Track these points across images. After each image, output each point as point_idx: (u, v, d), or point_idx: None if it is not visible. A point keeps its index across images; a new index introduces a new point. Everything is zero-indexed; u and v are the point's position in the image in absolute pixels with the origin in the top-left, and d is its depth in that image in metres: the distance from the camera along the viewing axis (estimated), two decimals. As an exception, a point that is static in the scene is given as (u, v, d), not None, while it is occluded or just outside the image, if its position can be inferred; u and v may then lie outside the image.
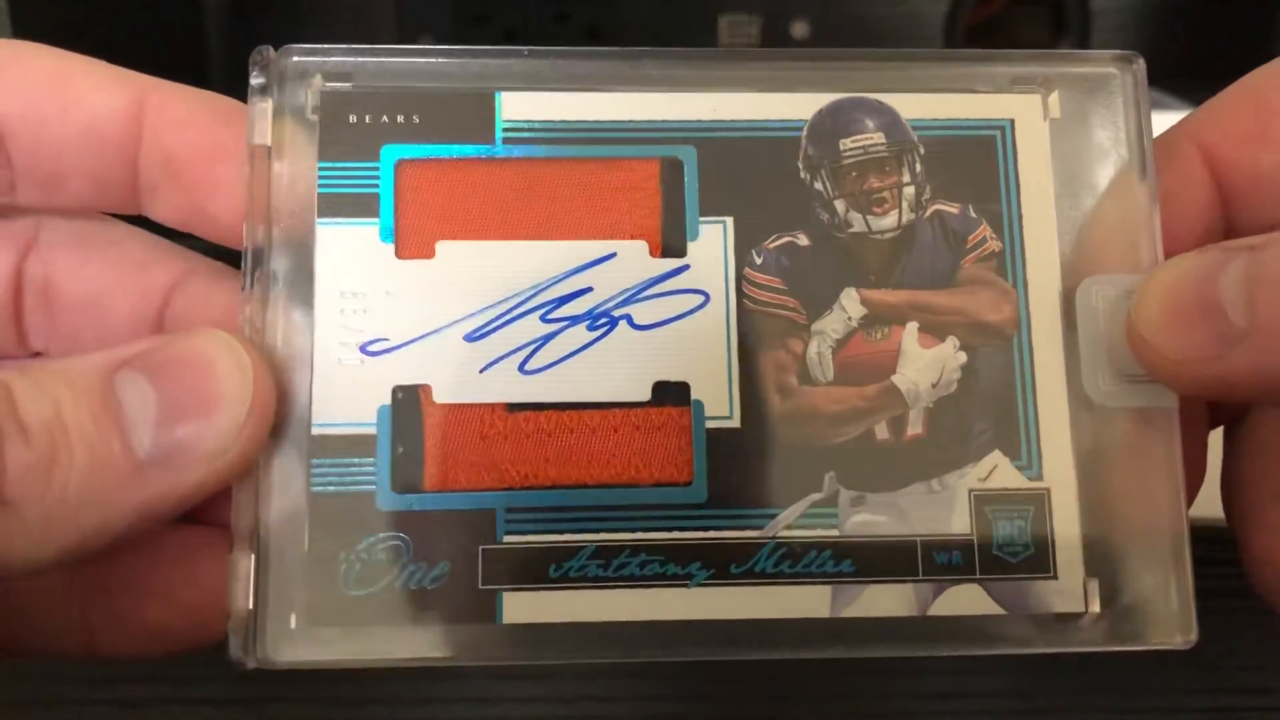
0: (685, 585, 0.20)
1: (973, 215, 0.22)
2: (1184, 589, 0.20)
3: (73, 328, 0.23)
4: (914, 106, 0.22)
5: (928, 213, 0.22)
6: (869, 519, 0.21)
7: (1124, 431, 0.21)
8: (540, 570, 0.20)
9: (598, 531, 0.20)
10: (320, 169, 0.21)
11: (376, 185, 0.21)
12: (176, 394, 0.19)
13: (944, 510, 0.21)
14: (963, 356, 0.21)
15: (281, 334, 0.21)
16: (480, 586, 0.20)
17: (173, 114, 0.21)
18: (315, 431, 0.20)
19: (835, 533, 0.21)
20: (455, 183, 0.21)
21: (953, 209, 0.22)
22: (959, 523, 0.21)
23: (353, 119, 0.21)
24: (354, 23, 0.48)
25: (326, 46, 0.21)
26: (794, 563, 0.20)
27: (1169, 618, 0.20)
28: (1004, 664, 0.29)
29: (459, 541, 0.20)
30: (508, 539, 0.20)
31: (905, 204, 0.22)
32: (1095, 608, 0.20)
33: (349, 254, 0.21)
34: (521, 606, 0.20)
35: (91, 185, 0.21)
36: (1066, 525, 0.21)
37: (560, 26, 0.52)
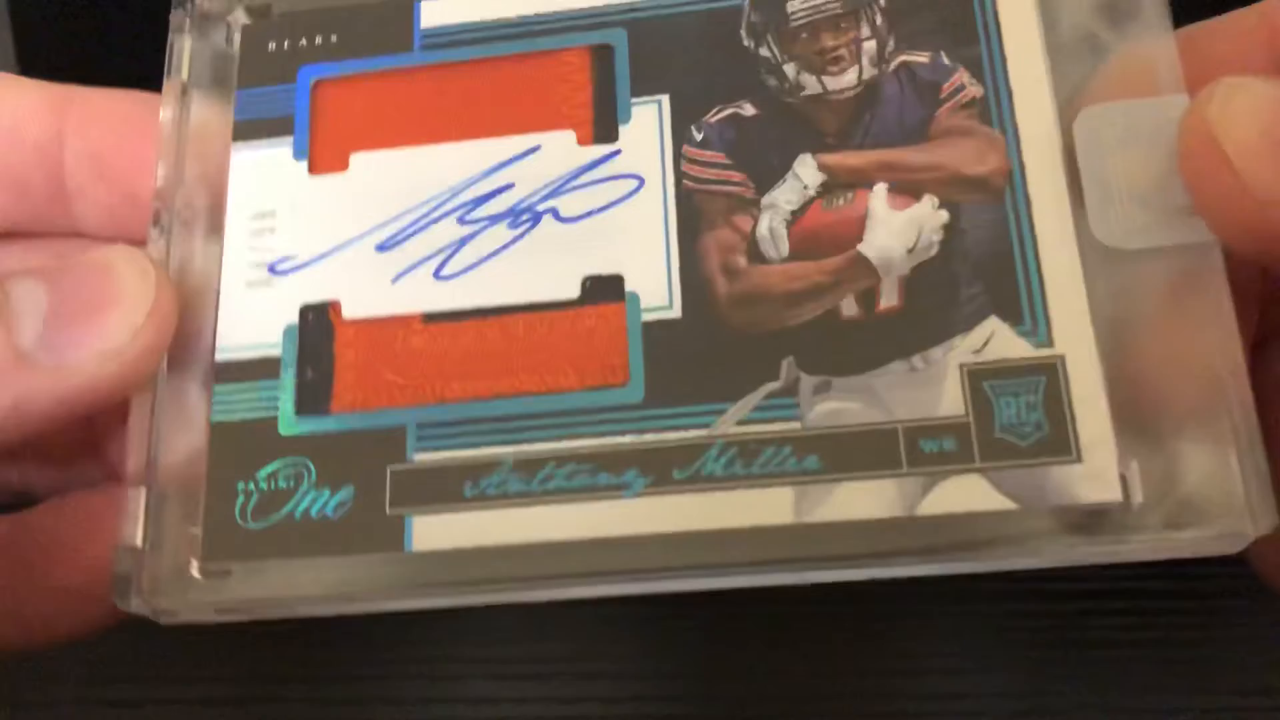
0: (620, 496, 0.17)
1: (946, 62, 0.19)
2: (1253, 462, 0.16)
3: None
4: None
5: (893, 65, 0.19)
6: (837, 407, 0.18)
7: (1153, 279, 0.17)
8: (454, 489, 0.18)
9: (519, 443, 0.18)
10: (238, 97, 0.21)
11: (292, 108, 0.20)
12: (71, 292, 0.18)
13: (929, 390, 0.17)
14: (944, 215, 0.18)
15: (193, 262, 0.20)
16: (387, 512, 0.18)
17: (94, 111, 0.21)
18: (219, 358, 0.19)
19: (797, 425, 0.17)
20: (372, 95, 0.20)
21: (922, 58, 0.19)
22: (949, 403, 0.17)
23: (272, 46, 0.21)
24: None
25: None
26: (748, 463, 0.17)
27: (1236, 498, 0.16)
28: (1004, 664, 0.29)
29: (365, 464, 0.18)
30: (418, 457, 0.18)
31: (866, 59, 0.19)
32: (1137, 493, 0.16)
33: (261, 176, 0.20)
34: (433, 531, 0.18)
35: (15, 194, 0.21)
36: (1089, 397, 0.17)
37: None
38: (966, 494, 0.17)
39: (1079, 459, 0.17)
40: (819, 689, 0.29)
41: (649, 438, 0.18)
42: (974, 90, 0.19)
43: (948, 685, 0.28)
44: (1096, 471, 0.16)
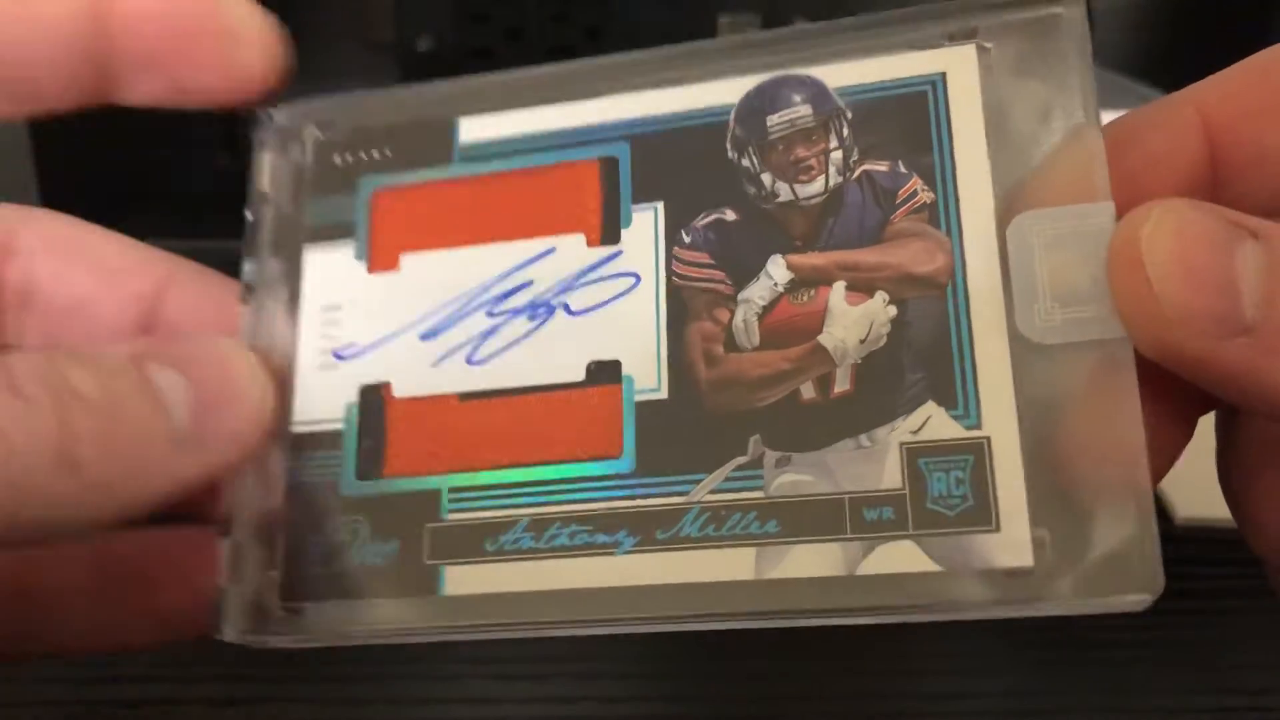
0: (612, 553, 0.20)
1: (903, 170, 0.21)
2: (1146, 537, 0.18)
3: (54, 331, 0.25)
4: (842, 75, 0.22)
5: (855, 174, 0.21)
6: (795, 479, 0.20)
7: (1070, 370, 0.19)
8: (478, 544, 0.21)
9: (532, 506, 0.21)
10: (311, 203, 0.24)
11: (354, 214, 0.24)
12: (205, 384, 0.21)
13: (874, 465, 0.20)
14: (893, 310, 0.20)
15: (271, 345, 0.23)
16: (425, 562, 0.21)
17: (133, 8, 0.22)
18: (295, 430, 0.23)
19: (760, 494, 0.20)
20: (419, 202, 0.24)
21: (882, 167, 0.21)
22: (890, 477, 0.19)
23: (337, 160, 0.24)
24: (354, 24, 0.48)
25: (314, 100, 0.24)
26: (718, 526, 0.20)
27: (1131, 569, 0.18)
28: (1004, 664, 0.29)
29: (409, 522, 0.22)
30: (450, 517, 0.22)
31: (832, 168, 0.21)
32: (1046, 559, 0.18)
33: (329, 274, 0.24)
34: (461, 579, 0.21)
35: (63, 86, 0.22)
36: (1009, 474, 0.19)
37: (560, 26, 0.52)
38: (900, 557, 0.19)
39: (997, 528, 0.19)
40: (819, 689, 0.29)
41: (637, 503, 0.21)
42: (925, 196, 0.21)
43: (948, 685, 0.28)
44: (1012, 540, 0.19)
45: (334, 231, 0.24)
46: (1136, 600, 0.18)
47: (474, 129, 0.24)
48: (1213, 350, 0.17)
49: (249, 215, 0.24)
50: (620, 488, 0.21)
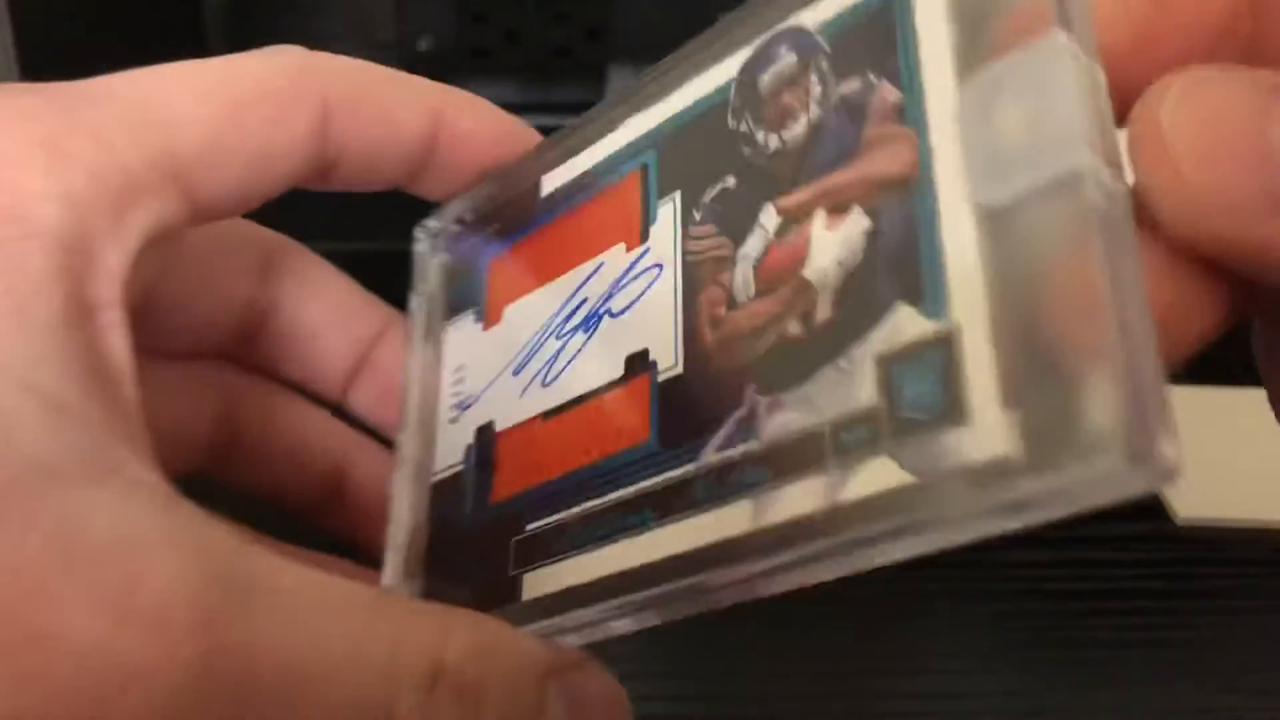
0: (638, 532, 0.20)
1: (872, 80, 0.20)
2: (1155, 398, 0.15)
3: (282, 354, 0.28)
4: (818, 13, 0.21)
5: (833, 102, 0.20)
6: (783, 419, 0.19)
7: (1037, 233, 0.16)
8: (547, 549, 0.22)
9: (585, 502, 0.22)
10: (450, 288, 0.27)
11: (476, 284, 0.27)
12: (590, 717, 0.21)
13: (852, 386, 0.18)
14: (865, 222, 0.19)
15: (428, 406, 0.26)
16: (509, 573, 0.23)
17: (462, 134, 0.25)
18: (434, 479, 0.26)
19: (756, 444, 0.19)
20: (517, 259, 0.26)
21: (855, 85, 0.20)
22: (866, 394, 0.18)
23: (468, 245, 0.27)
24: (354, 24, 0.48)
25: (452, 201, 0.27)
26: (721, 484, 0.19)
27: (1135, 444, 0.14)
28: (1004, 664, 0.29)
29: (501, 541, 0.23)
30: (529, 528, 0.23)
31: (813, 104, 0.21)
32: (1027, 445, 0.15)
33: (459, 341, 0.27)
34: (535, 583, 0.22)
35: (390, 180, 0.25)
36: (980, 361, 0.16)
37: (560, 27, 0.52)
38: (876, 476, 0.17)
39: (969, 422, 0.16)
40: (819, 689, 0.29)
41: (660, 478, 0.21)
42: (893, 97, 0.19)
43: (948, 685, 0.28)
44: (986, 431, 0.16)
45: (465, 304, 0.27)
46: (1137, 481, 0.15)
47: (552, 181, 0.26)
48: (1256, 231, 0.15)
49: (412, 308, 0.28)
50: (647, 467, 0.21)
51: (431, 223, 0.28)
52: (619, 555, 0.21)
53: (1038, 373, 0.16)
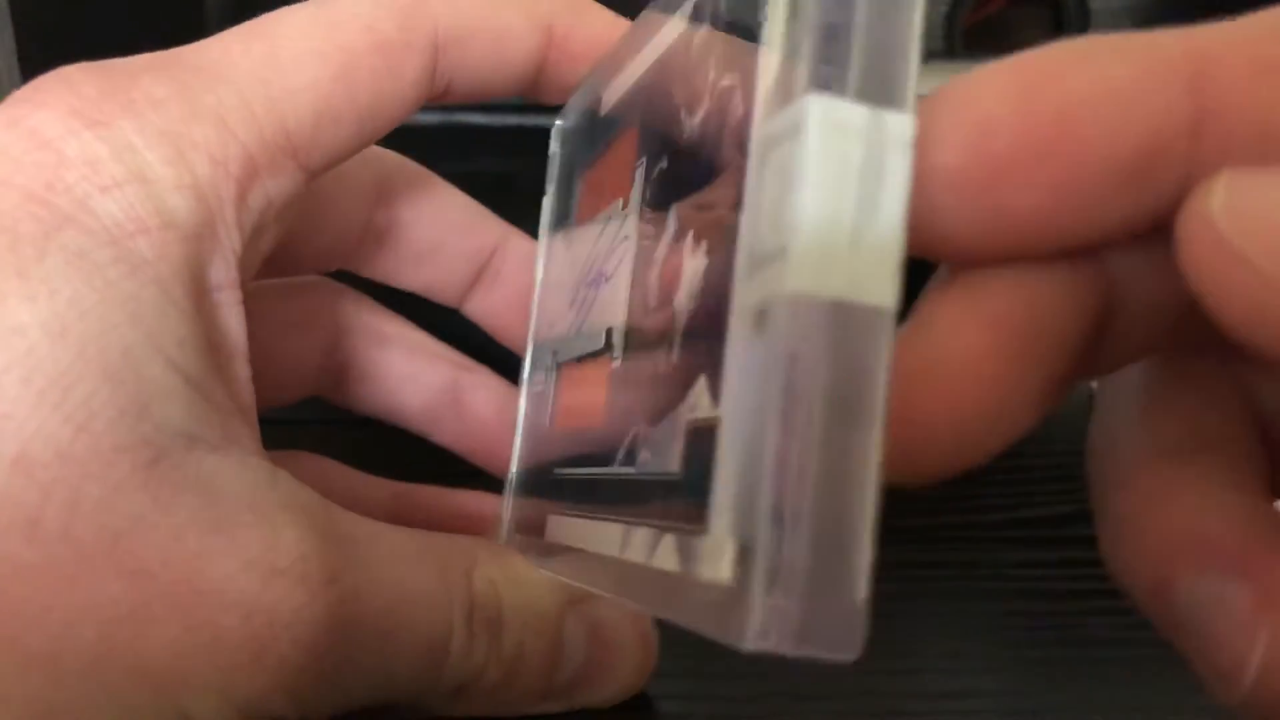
0: (576, 514, 0.21)
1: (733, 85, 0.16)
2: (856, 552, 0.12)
3: (404, 270, 0.29)
4: None
5: (717, 90, 0.17)
6: (645, 456, 0.17)
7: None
8: (560, 499, 0.23)
9: (575, 467, 0.22)
10: (552, 193, 0.28)
11: (572, 198, 0.26)
12: (603, 644, 0.24)
13: (671, 446, 0.16)
14: (705, 260, 0.16)
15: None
16: (542, 510, 0.23)
17: (576, 46, 0.25)
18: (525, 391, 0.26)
19: (633, 470, 0.18)
20: (590, 179, 0.25)
21: (731, 80, 0.16)
22: (675, 460, 0.16)
23: (566, 154, 0.27)
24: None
25: (575, 99, 0.26)
26: (618, 498, 0.18)
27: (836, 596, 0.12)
28: (1004, 664, 0.29)
29: (550, 472, 0.24)
30: (557, 472, 0.23)
31: (709, 91, 0.17)
32: (741, 577, 0.13)
33: (553, 253, 0.27)
34: (553, 528, 0.22)
35: (503, 94, 0.26)
36: (729, 460, 0.14)
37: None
38: (667, 552, 0.16)
39: (706, 529, 0.14)
40: (819, 689, 0.29)
41: (598, 470, 0.20)
42: (741, 107, 0.16)
43: (948, 685, 0.28)
44: (715, 545, 0.14)
45: (563, 217, 0.26)
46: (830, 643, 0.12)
47: (609, 97, 0.24)
48: None
49: (545, 210, 0.28)
50: (595, 453, 0.20)
51: (561, 122, 0.28)
52: (574, 529, 0.21)
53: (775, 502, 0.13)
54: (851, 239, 0.13)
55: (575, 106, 0.27)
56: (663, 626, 0.25)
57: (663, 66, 0.20)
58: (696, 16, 0.18)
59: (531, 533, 0.23)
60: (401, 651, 0.21)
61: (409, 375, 0.30)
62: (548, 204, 0.28)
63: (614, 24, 0.26)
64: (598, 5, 0.26)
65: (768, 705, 0.28)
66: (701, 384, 0.15)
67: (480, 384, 0.30)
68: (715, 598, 0.13)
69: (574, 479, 0.22)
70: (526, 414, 0.26)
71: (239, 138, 0.21)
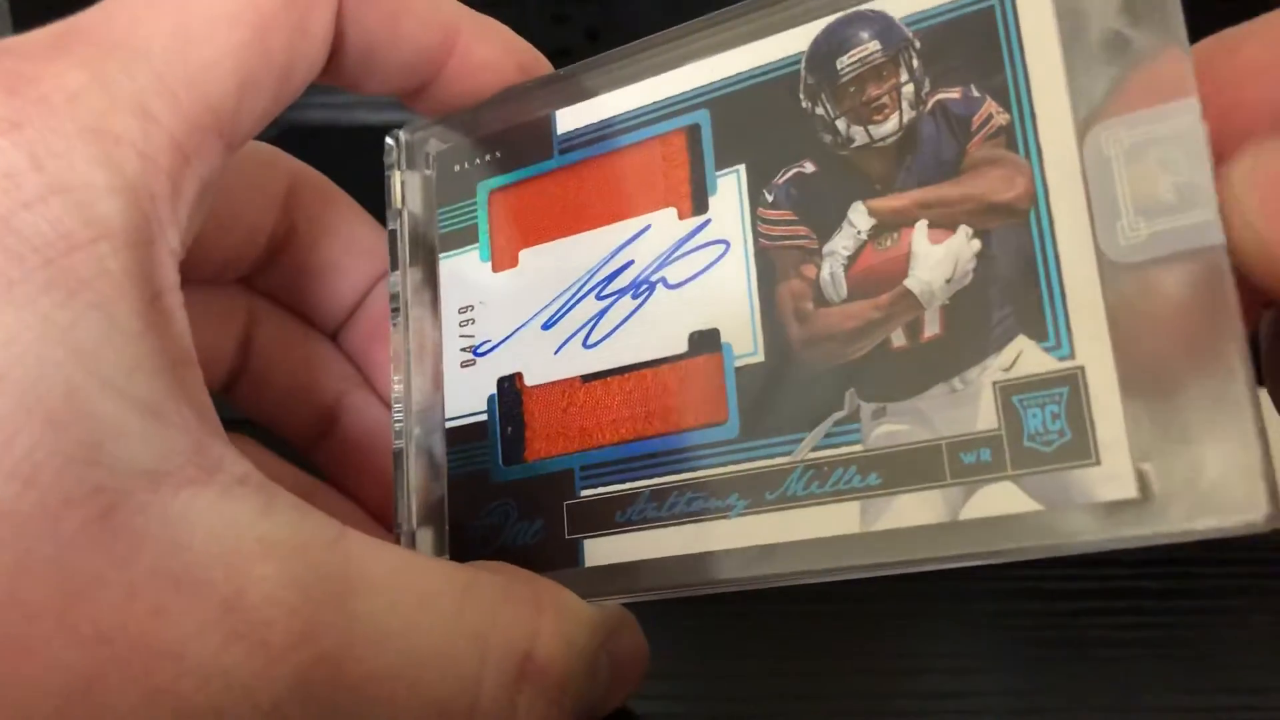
0: (726, 516, 0.21)
1: (975, 94, 0.20)
2: (1252, 455, 0.17)
3: (295, 284, 0.27)
4: (906, 3, 0.21)
5: (929, 106, 0.21)
6: (892, 429, 0.20)
7: (1163, 286, 0.18)
8: (609, 517, 0.23)
9: (652, 477, 0.22)
10: (439, 213, 0.26)
11: (475, 217, 0.25)
12: (615, 673, 0.23)
13: (968, 408, 0.19)
14: (976, 244, 0.20)
15: (422, 350, 0.25)
16: (566, 537, 0.23)
17: (477, 57, 0.24)
18: (448, 425, 0.25)
19: (860, 448, 0.20)
20: (530, 198, 0.25)
21: (954, 94, 0.20)
22: (985, 419, 0.19)
23: (457, 168, 0.26)
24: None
25: (433, 119, 0.26)
26: (822, 483, 0.20)
27: (1238, 489, 0.17)
28: (1004, 664, 0.29)
29: (549, 501, 0.23)
30: (584, 493, 0.23)
31: (905, 103, 0.21)
32: (1151, 488, 0.18)
33: (461, 278, 0.25)
34: (598, 550, 0.23)
35: (391, 84, 0.25)
36: (1105, 403, 0.18)
37: (560, 28, 0.53)
38: (1000, 499, 0.19)
39: (1097, 461, 0.18)
40: (819, 689, 0.29)
41: (745, 466, 0.21)
42: (1001, 119, 0.20)
43: (948, 685, 0.28)
44: (1113, 471, 0.18)
45: (461, 238, 0.26)
46: (1246, 521, 0.17)
47: (569, 119, 0.25)
48: None
49: (390, 227, 0.26)
50: (729, 453, 0.21)
51: (407, 134, 0.26)
52: (702, 535, 0.21)
53: (1164, 422, 0.18)
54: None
55: (460, 122, 0.26)
56: (658, 632, 0.24)
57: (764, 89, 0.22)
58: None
59: (537, 564, 0.23)
60: (401, 717, 0.19)
61: (295, 388, 0.28)
62: (402, 227, 0.26)
63: (523, 51, 0.25)
64: (503, 25, 0.25)
65: (767, 705, 0.28)
66: (1021, 343, 0.19)
67: (360, 405, 0.28)
68: (1111, 514, 0.18)
69: (667, 487, 0.22)
70: (451, 452, 0.25)
71: (164, 125, 0.19)
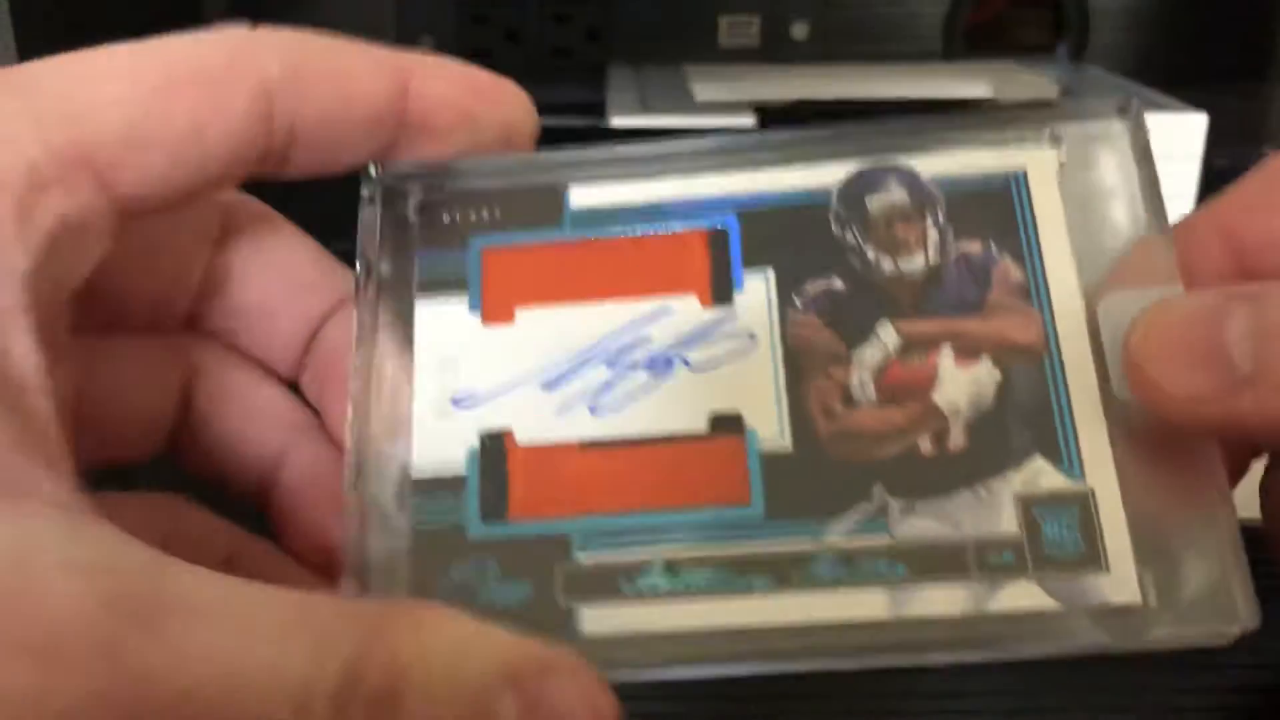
0: (749, 594, 0.22)
1: (994, 252, 0.23)
2: (1234, 575, 0.20)
3: (229, 326, 0.26)
4: (933, 165, 0.24)
5: (953, 255, 0.24)
6: (919, 524, 0.22)
7: (1159, 429, 0.21)
8: (614, 585, 0.22)
9: (665, 547, 0.22)
10: (420, 257, 0.25)
11: (466, 269, 0.25)
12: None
13: (992, 513, 0.22)
14: (998, 374, 0.23)
15: (384, 395, 0.24)
16: (560, 603, 0.22)
17: (433, 94, 0.24)
18: (415, 476, 0.23)
19: (887, 539, 0.22)
20: (532, 261, 0.25)
21: (975, 248, 0.24)
22: (1007, 524, 0.22)
23: (445, 218, 0.25)
24: (353, 23, 0.48)
25: (418, 162, 0.25)
26: (850, 568, 0.22)
27: (1221, 604, 0.20)
28: (1003, 664, 0.29)
29: (539, 563, 0.22)
30: (582, 558, 0.22)
31: (931, 248, 0.24)
32: (1150, 597, 0.21)
33: (442, 325, 0.25)
34: (599, 619, 0.22)
35: (358, 156, 0.24)
36: (1113, 520, 0.21)
37: (560, 27, 0.52)
38: (1024, 597, 0.21)
39: (1107, 570, 0.21)
40: (819, 689, 0.29)
41: (770, 547, 0.22)
42: (1018, 275, 0.23)
43: (948, 685, 0.28)
44: (1121, 580, 0.21)
45: (445, 286, 0.25)
46: (1227, 633, 0.20)
47: (585, 196, 0.25)
48: (1230, 407, 0.20)
49: (357, 269, 0.25)
50: (752, 532, 0.22)
51: (386, 174, 0.25)
52: (721, 612, 0.22)
53: (1160, 540, 0.21)
54: None
55: (450, 171, 0.26)
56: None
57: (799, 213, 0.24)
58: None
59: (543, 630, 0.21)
60: None
61: (237, 440, 0.26)
62: (373, 267, 0.25)
63: (475, 76, 0.25)
64: (453, 61, 0.25)
65: (768, 705, 0.28)
66: (1038, 463, 0.22)
67: (303, 458, 0.26)
68: (1115, 617, 0.21)
69: (684, 560, 0.22)
70: (418, 506, 0.24)
71: (23, 147, 0.19)
